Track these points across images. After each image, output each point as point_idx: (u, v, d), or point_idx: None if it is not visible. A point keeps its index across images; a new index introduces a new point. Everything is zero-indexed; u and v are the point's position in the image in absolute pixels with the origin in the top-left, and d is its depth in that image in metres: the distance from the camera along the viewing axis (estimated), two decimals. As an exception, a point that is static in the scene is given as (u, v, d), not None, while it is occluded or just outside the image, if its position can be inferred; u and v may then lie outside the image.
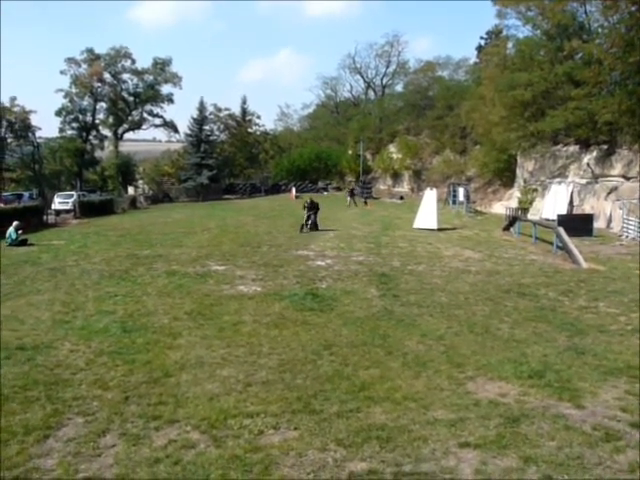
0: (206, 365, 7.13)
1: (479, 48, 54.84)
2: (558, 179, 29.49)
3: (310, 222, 22.90)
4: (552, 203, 27.07)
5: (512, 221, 23.41)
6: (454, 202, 36.30)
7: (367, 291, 11.64)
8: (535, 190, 31.85)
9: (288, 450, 4.99)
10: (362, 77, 70.30)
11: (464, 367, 7.13)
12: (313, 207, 23.46)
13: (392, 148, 55.69)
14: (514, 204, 31.73)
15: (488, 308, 10.28)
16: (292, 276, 13.12)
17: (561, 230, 17.03)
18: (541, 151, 31.47)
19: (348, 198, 39.24)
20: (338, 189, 59.07)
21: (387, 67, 67.50)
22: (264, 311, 9.88)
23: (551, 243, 18.09)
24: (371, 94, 71.41)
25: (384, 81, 68.77)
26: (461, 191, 35.42)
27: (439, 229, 23.10)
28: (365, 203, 38.89)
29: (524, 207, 30.67)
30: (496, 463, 4.78)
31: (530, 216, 27.55)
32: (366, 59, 70.07)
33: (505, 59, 34.64)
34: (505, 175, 37.18)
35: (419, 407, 5.91)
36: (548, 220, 23.63)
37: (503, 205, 33.38)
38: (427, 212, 23.88)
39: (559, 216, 21.86)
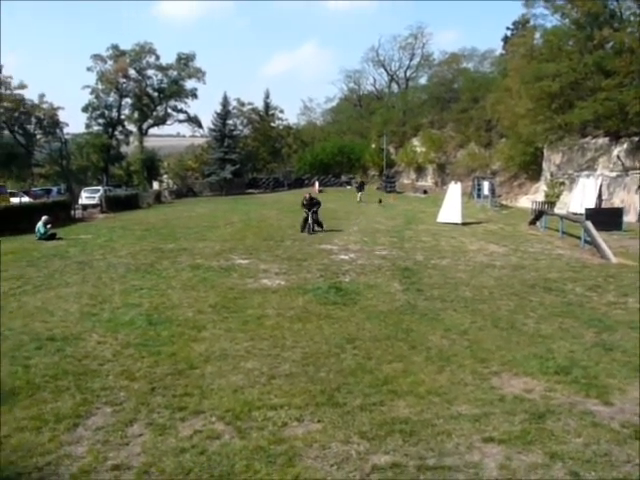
0: (230, 357, 7.20)
1: (505, 39, 54.04)
2: (586, 172, 28.92)
3: (311, 222, 20.05)
4: (580, 197, 26.58)
5: (538, 215, 23.06)
6: (479, 196, 35.91)
7: (390, 285, 11.60)
8: (562, 183, 31.31)
9: (312, 442, 5.02)
10: (385, 70, 69.94)
11: (488, 362, 7.07)
12: (313, 204, 20.72)
13: (416, 142, 55.29)
14: (540, 198, 31.28)
15: (513, 303, 10.16)
16: (315, 270, 13.15)
17: (589, 224, 16.70)
18: (569, 144, 30.88)
19: (358, 194, 37.32)
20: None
21: (411, 59, 67.05)
22: (288, 305, 9.93)
23: (579, 237, 17.77)
24: (394, 87, 71.05)
25: (408, 74, 68.36)
26: (486, 185, 35.02)
27: (463, 223, 22.89)
28: (379, 202, 35.11)
29: (551, 201, 30.20)
30: (521, 459, 4.73)
31: (557, 210, 27.09)
32: (390, 52, 69.75)
33: (532, 50, 34.01)
34: (531, 168, 36.61)
35: (443, 401, 5.88)
36: (576, 214, 23.21)
37: (529, 199, 32.89)
38: (451, 206, 23.66)
39: (587, 210, 21.46)
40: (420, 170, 55.11)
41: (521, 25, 47.69)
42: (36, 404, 5.80)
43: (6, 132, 57.46)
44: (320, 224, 20.56)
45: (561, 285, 11.66)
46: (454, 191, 24.29)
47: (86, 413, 5.62)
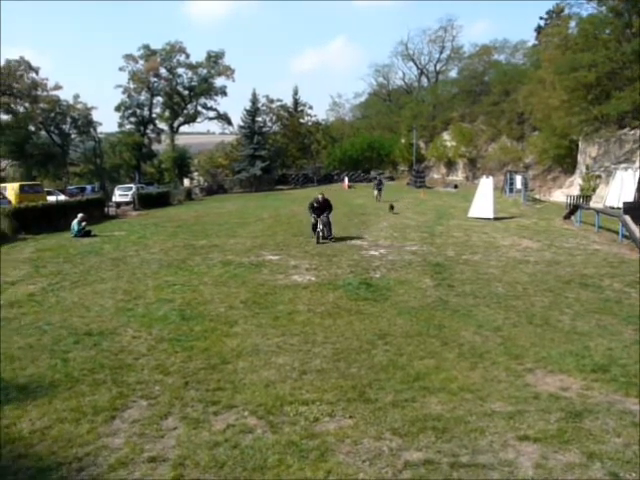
0: (262, 353, 7.26)
1: (538, 29, 52.92)
2: (624, 165, 28.08)
3: (322, 228, 16.93)
4: (617, 190, 25.77)
5: (573, 209, 22.53)
6: (511, 190, 35.27)
7: (421, 281, 11.51)
8: (598, 177, 30.50)
9: (343, 438, 5.02)
10: (415, 64, 69.29)
11: (523, 359, 6.95)
12: (323, 207, 17.39)
13: (446, 136, 54.67)
14: (575, 192, 30.52)
15: (548, 299, 9.96)
16: (346, 266, 13.13)
17: (627, 218, 16.23)
18: (605, 135, 30.04)
19: (375, 192, 33.62)
20: (391, 178, 58.56)
21: (441, 53, 66.25)
22: (318, 300, 9.94)
23: (616, 232, 17.29)
24: (424, 81, 70.33)
25: (438, 67, 67.58)
26: (518, 179, 34.37)
27: (495, 218, 22.53)
28: (390, 209, 31.62)
29: (586, 195, 29.43)
30: (557, 458, 4.64)
31: (593, 204, 26.40)
32: (419, 45, 69.16)
33: (567, 39, 33.20)
34: (566, 162, 35.79)
35: (476, 398, 5.81)
36: (613, 208, 22.56)
37: (563, 193, 32.16)
38: (483, 201, 23.31)
39: (625, 204, 20.79)
40: (450, 165, 54.49)
41: (555, 14, 46.68)
42: (75, 396, 5.95)
43: (43, 132, 59.09)
44: (330, 231, 17.11)
45: (598, 281, 11.38)
46: (486, 185, 23.92)
47: (122, 406, 5.75)
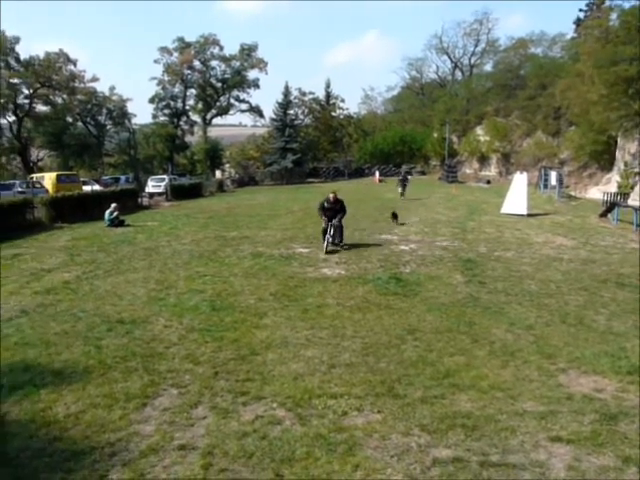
0: (291, 345, 7.28)
1: (578, 21, 51.47)
2: (665, 162, 27.17)
3: (331, 234, 14.38)
4: (657, 188, 25.02)
5: (610, 207, 21.90)
6: (545, 186, 34.47)
7: (452, 277, 11.37)
8: (638, 174, 29.55)
9: (372, 432, 5.01)
10: (449, 57, 68.31)
11: (555, 358, 6.80)
12: (336, 209, 14.76)
13: (479, 130, 53.78)
14: (613, 189, 29.65)
15: (582, 298, 9.72)
16: (375, 260, 13.06)
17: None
18: (646, 132, 29.09)
19: (399, 188, 30.87)
20: (422, 173, 58.06)
21: (476, 46, 65.12)
22: (347, 294, 9.92)
23: (655, 231, 16.75)
24: (458, 75, 69.33)
25: (472, 61, 66.50)
26: (553, 175, 33.56)
27: (529, 214, 22.07)
28: (392, 218, 31.06)
29: (624, 192, 28.54)
30: (591, 460, 4.53)
31: (631, 202, 25.59)
32: (453, 38, 68.44)
33: (607, 32, 32.17)
34: (603, 158, 34.77)
35: (506, 397, 5.72)
36: (652, 206, 21.86)
37: (600, 190, 31.27)
38: (516, 197, 22.85)
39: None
40: (483, 160, 53.59)
41: (596, 6, 45.34)
42: (107, 383, 6.08)
43: (79, 123, 60.46)
44: (341, 236, 14.59)
45: (635, 281, 11.03)
46: (519, 181, 23.45)
47: (153, 394, 5.84)
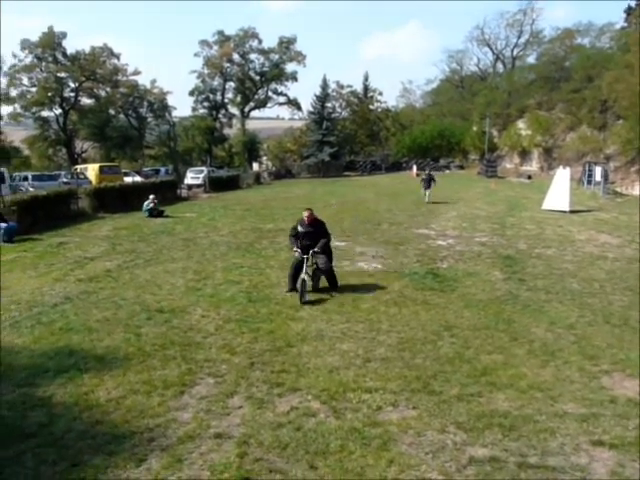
0: (326, 338, 7.29)
1: (629, 10, 49.44)
2: None
3: (308, 275, 9.42)
4: None
5: (659, 204, 21.09)
6: (589, 182, 33.40)
7: (490, 273, 11.16)
8: (689, 170, 28.35)
9: (406, 428, 4.97)
10: (490, 49, 66.82)
11: (598, 360, 6.60)
12: (313, 235, 9.64)
13: (521, 124, 52.43)
14: (662, 185, 28.53)
15: (627, 298, 9.40)
16: (412, 255, 12.94)
17: None
18: (698, 126, 27.85)
19: (423, 190, 25.53)
20: (461, 167, 57.14)
21: (519, 37, 63.40)
22: (384, 288, 9.86)
23: None
24: (500, 67, 67.74)
25: (515, 52, 64.81)
26: (598, 170, 32.47)
27: (571, 211, 21.46)
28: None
29: (674, 189, 27.46)
30: (635, 467, 4.38)
31: (681, 199, 24.61)
32: (496, 30, 66.74)
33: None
34: (652, 153, 33.48)
35: (546, 398, 5.58)
36: None
37: (648, 186, 30.14)
38: (558, 192, 22.25)
39: None
40: (524, 154, 52.29)
41: (648, -5, 43.45)
42: (147, 370, 6.22)
43: (121, 116, 61.85)
44: (333, 279, 9.83)
45: (684, 281, 10.61)
46: (562, 176, 22.79)
47: (191, 382, 5.94)
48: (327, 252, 9.78)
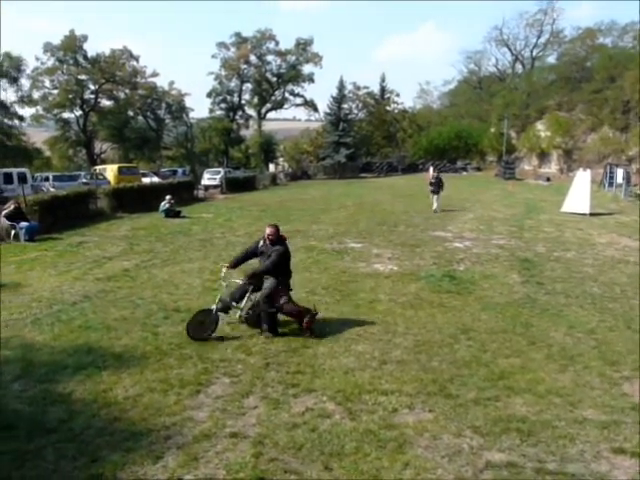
0: (342, 340, 7.26)
1: (651, 10, 48.68)
2: None
3: (254, 307, 7.55)
4: None
5: (682, 207, 20.71)
6: (611, 185, 32.92)
7: (508, 276, 11.05)
8: None
9: (422, 431, 4.93)
10: (509, 49, 66.35)
11: (619, 366, 6.47)
12: (271, 255, 7.38)
13: (540, 125, 51.91)
14: (685, 188, 28.03)
15: (649, 303, 9.23)
16: (429, 257, 12.87)
17: None
18: None
19: (431, 197, 22.57)
20: (478, 169, 56.73)
21: (538, 37, 62.89)
22: (400, 291, 9.81)
23: None
24: (518, 68, 67.14)
25: (534, 53, 64.30)
26: (620, 172, 31.99)
27: (591, 214, 21.15)
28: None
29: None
30: (657, 475, 4.30)
31: None
32: (515, 30, 66.37)
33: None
34: (676, 155, 32.88)
35: (565, 403, 5.50)
36: None
37: (671, 189, 29.61)
38: (578, 195, 21.93)
39: None
40: (543, 156, 51.78)
41: (671, -6, 42.74)
42: (163, 369, 6.26)
43: (140, 117, 62.53)
44: (272, 323, 7.43)
45: None
46: (582, 179, 22.48)
47: (207, 381, 5.97)
48: (274, 271, 7.33)
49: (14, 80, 49.27)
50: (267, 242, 7.52)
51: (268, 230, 7.50)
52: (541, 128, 51.52)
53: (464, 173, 52.96)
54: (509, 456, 4.55)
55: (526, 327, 7.87)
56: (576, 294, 9.72)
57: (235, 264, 7.78)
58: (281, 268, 7.40)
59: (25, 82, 51.76)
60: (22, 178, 26.87)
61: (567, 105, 50.38)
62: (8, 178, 28.77)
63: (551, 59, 62.37)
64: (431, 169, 50.19)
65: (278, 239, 7.50)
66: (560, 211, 22.09)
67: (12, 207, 16.09)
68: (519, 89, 59.44)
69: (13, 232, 15.68)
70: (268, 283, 7.36)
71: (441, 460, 4.51)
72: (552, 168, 50.04)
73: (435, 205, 21.99)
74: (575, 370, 6.34)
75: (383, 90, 66.27)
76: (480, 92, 69.20)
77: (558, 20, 61.74)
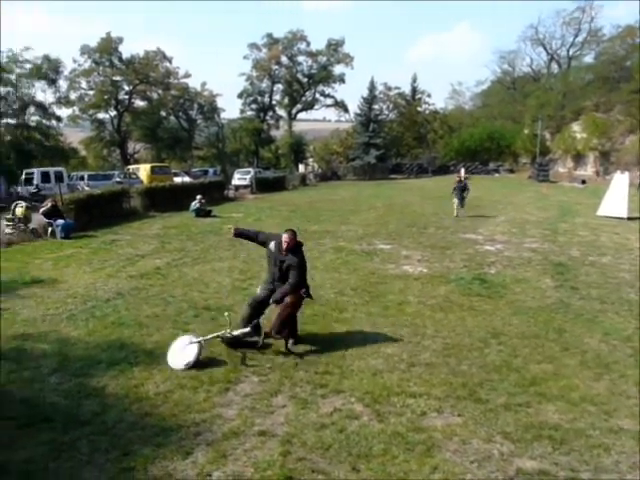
0: (370, 341, 7.23)
1: (693, 8, 47.14)
2: None
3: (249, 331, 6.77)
4: None
5: None
6: (649, 188, 32.01)
7: (541, 280, 10.83)
8: None
9: (451, 435, 4.88)
10: (545, 49, 65.03)
11: (657, 375, 6.30)
12: (290, 264, 6.86)
13: (576, 127, 50.71)
14: None
15: (690, 311, 8.93)
16: (459, 259, 12.72)
17: None
18: None
19: (455, 200, 20.89)
20: (511, 171, 55.83)
21: (576, 36, 61.36)
22: (429, 293, 9.73)
23: None
24: (554, 67, 65.78)
25: (571, 52, 62.77)
26: (658, 175, 31.08)
27: (629, 218, 20.56)
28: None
29: None
30: (695, 488, 4.16)
31: None
32: (551, 28, 65.23)
33: None
34: None
35: (599, 412, 5.36)
36: None
37: None
38: (616, 198, 21.36)
39: None
40: (579, 158, 50.58)
41: None
42: (193, 366, 6.33)
43: (172, 118, 63.55)
44: (283, 326, 6.80)
45: None
46: (620, 181, 21.88)
47: (236, 379, 6.02)
48: (297, 279, 6.89)
49: (52, 82, 50.59)
50: (281, 248, 6.90)
51: (285, 236, 6.88)
52: (577, 129, 50.37)
53: (496, 175, 52.23)
54: (541, 464, 4.47)
55: (559, 333, 7.70)
56: (612, 300, 9.47)
57: (240, 234, 7.36)
58: (300, 271, 6.96)
59: (63, 83, 53.17)
60: (59, 177, 27.67)
61: (605, 106, 49.13)
62: (45, 177, 29.66)
63: (588, 58, 60.94)
64: (462, 171, 49.81)
65: (294, 243, 6.96)
66: (596, 214, 21.56)
67: (49, 205, 16.57)
68: (554, 89, 58.22)
69: (50, 229, 16.15)
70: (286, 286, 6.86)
71: (470, 465, 4.46)
72: (588, 170, 48.88)
73: (456, 212, 20.58)
74: (610, 378, 6.18)
75: (414, 91, 65.83)
76: (514, 93, 68.05)
77: (596, 18, 60.53)
